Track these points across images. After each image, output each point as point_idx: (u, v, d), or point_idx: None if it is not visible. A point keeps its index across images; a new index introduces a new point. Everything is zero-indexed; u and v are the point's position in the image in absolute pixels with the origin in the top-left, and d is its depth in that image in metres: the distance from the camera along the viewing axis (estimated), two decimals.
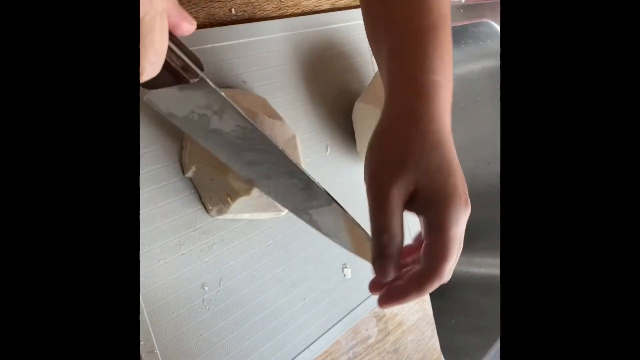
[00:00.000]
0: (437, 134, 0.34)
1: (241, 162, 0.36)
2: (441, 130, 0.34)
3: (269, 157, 0.36)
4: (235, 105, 0.32)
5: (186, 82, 0.29)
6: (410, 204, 0.35)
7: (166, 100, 0.31)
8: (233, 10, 0.44)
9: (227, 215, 0.39)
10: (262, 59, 0.45)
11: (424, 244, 0.34)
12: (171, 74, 0.27)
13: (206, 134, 0.34)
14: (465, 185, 0.35)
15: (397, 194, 0.34)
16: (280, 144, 0.37)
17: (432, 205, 0.34)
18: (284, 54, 0.48)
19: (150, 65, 0.23)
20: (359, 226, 0.38)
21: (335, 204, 0.38)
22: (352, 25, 0.55)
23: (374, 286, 0.36)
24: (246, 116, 0.33)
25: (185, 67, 0.28)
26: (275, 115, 0.42)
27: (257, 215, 0.41)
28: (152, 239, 0.36)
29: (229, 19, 0.43)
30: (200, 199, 0.39)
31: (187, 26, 0.27)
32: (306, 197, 0.38)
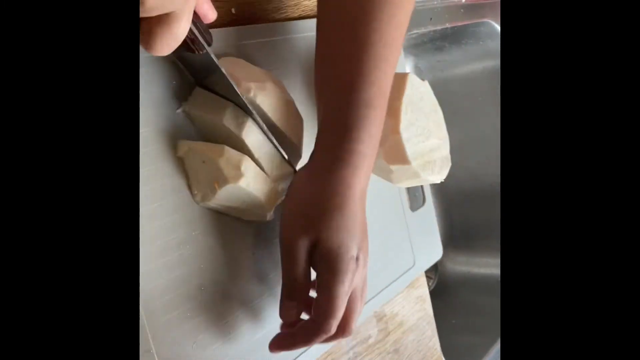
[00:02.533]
0: (344, 196, 0.38)
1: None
2: (349, 194, 0.38)
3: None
4: (233, 82, 0.37)
5: (193, 52, 0.34)
6: (312, 258, 0.38)
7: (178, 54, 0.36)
8: (233, 10, 0.44)
9: (211, 204, 0.39)
10: (262, 61, 0.45)
11: (315, 298, 0.38)
12: (182, 44, 0.30)
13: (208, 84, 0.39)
14: (364, 247, 0.40)
15: (302, 246, 0.37)
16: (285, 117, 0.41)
17: (324, 262, 0.37)
18: (283, 57, 0.48)
19: (167, 47, 0.26)
20: None
21: None
22: None
23: (274, 345, 0.40)
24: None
25: (194, 41, 0.33)
26: (279, 84, 0.43)
27: (241, 212, 0.41)
28: (151, 238, 0.36)
29: (229, 19, 0.44)
30: (188, 182, 0.39)
31: (212, 15, 0.32)
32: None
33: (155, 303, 0.36)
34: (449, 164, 0.55)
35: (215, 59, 0.35)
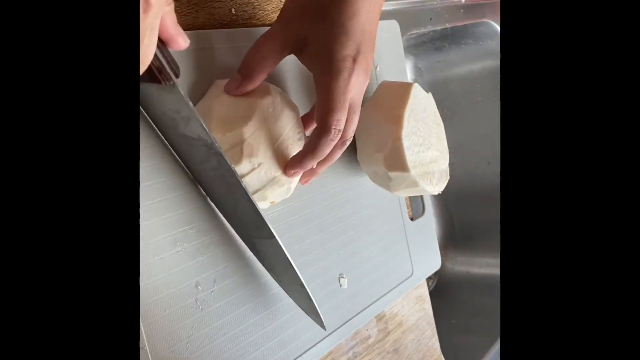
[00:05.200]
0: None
1: (202, 170, 0.37)
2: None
3: (225, 178, 0.36)
4: (201, 119, 0.33)
5: (159, 83, 0.30)
6: (305, 61, 0.38)
7: (143, 94, 0.33)
8: (233, 10, 0.44)
9: (244, 133, 0.38)
10: None
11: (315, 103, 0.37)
12: (147, 73, 0.28)
13: (174, 136, 0.35)
14: (365, 52, 0.37)
15: (280, 44, 0.38)
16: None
17: (317, 61, 0.37)
18: (284, 60, 0.48)
19: None
20: (293, 268, 0.40)
21: (275, 239, 0.39)
22: None
23: (288, 167, 0.40)
24: (207, 129, 0.34)
25: (161, 70, 0.29)
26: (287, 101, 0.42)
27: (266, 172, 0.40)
28: (148, 234, 0.36)
29: (229, 19, 0.44)
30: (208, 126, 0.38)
31: (182, 42, 0.29)
32: (254, 226, 0.39)
33: (151, 300, 0.35)
34: (447, 178, 0.55)
35: (184, 95, 0.32)
